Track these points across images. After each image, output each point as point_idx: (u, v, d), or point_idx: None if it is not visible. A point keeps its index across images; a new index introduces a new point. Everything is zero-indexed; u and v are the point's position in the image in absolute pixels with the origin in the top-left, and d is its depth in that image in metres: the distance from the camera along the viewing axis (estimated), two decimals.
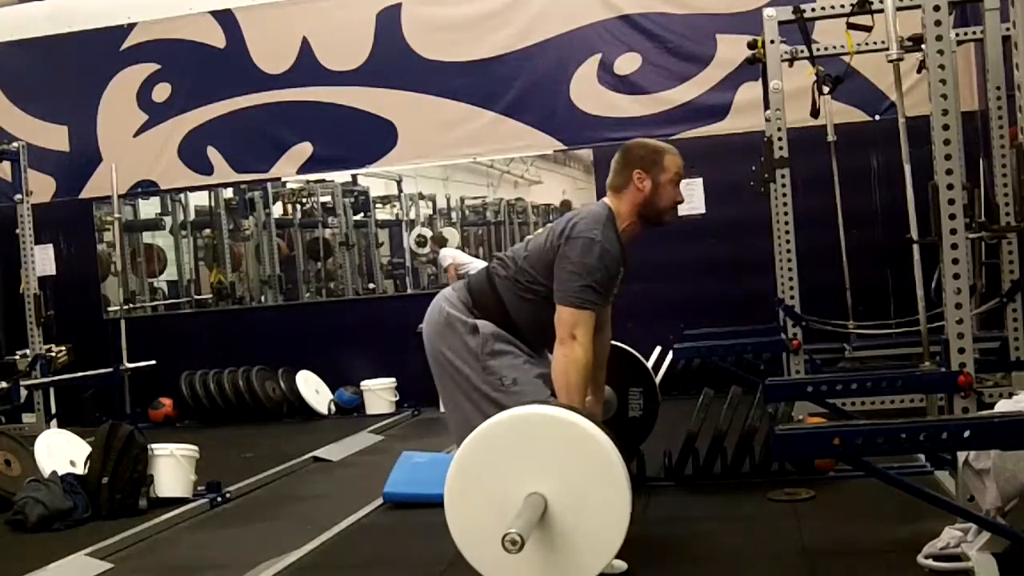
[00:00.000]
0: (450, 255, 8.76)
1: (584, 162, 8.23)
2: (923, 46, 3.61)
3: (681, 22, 7.88)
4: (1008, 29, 4.78)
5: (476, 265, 8.39)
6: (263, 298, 9.04)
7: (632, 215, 3.36)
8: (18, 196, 7.74)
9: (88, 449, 5.05)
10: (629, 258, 3.43)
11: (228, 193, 9.03)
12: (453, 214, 9.11)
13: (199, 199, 9.17)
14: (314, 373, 8.29)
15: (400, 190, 8.99)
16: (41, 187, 8.56)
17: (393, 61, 8.25)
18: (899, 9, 4.29)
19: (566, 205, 8.55)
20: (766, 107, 5.92)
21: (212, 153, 8.70)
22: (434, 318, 3.21)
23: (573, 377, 3.06)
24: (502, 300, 3.12)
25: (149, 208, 9.32)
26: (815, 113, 5.89)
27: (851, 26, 5.15)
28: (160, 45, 8.75)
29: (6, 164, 7.94)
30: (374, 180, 8.96)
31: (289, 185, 9.01)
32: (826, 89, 5.82)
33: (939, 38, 3.30)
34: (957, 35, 6.20)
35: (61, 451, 5.24)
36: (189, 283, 9.28)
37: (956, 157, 3.30)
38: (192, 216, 9.24)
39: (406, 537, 4.15)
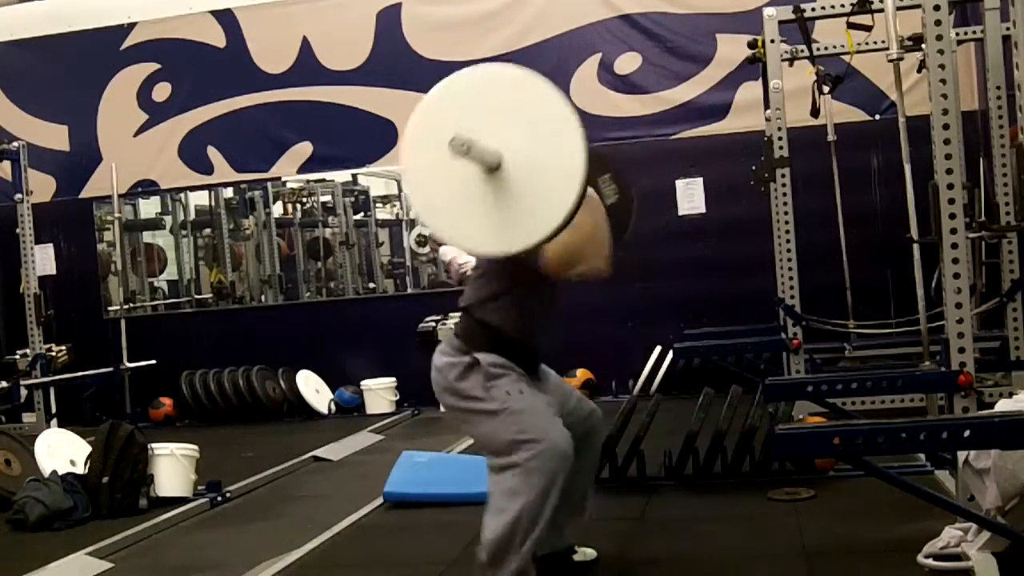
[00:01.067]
0: (451, 251, 8.75)
1: None
2: (923, 46, 3.61)
3: (681, 22, 7.88)
4: (1008, 29, 4.78)
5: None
6: (263, 298, 9.04)
7: None
8: (18, 196, 7.74)
9: (88, 449, 5.05)
10: None
11: (228, 192, 9.02)
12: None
13: (199, 199, 9.16)
14: (314, 373, 8.29)
15: (400, 189, 8.99)
16: (41, 187, 8.56)
17: (393, 61, 8.25)
18: (899, 9, 4.30)
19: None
20: (766, 107, 5.92)
21: (212, 153, 8.70)
22: (434, 376, 3.13)
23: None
24: (484, 321, 3.06)
25: (149, 208, 9.32)
26: (815, 113, 5.89)
27: (851, 26, 5.15)
28: (160, 45, 8.75)
29: (6, 164, 7.94)
30: (374, 179, 8.96)
31: (289, 185, 9.00)
32: (826, 89, 5.83)
33: (939, 38, 3.30)
34: (957, 35, 6.20)
35: (61, 451, 5.25)
36: (189, 283, 9.28)
37: (956, 157, 3.30)
38: (192, 216, 9.24)
39: (406, 537, 4.15)
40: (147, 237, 9.34)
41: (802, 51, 5.72)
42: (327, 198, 9.11)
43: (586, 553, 3.41)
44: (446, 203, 2.68)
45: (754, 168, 5.92)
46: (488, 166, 2.58)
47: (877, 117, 7.48)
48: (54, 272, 8.79)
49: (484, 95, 2.69)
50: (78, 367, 8.02)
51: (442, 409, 3.27)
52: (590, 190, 3.27)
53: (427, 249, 8.77)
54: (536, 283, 3.03)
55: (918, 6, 3.60)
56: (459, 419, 3.16)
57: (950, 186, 3.27)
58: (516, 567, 2.87)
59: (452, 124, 2.55)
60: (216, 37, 8.66)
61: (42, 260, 8.45)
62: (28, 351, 7.76)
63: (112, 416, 6.31)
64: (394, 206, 9.17)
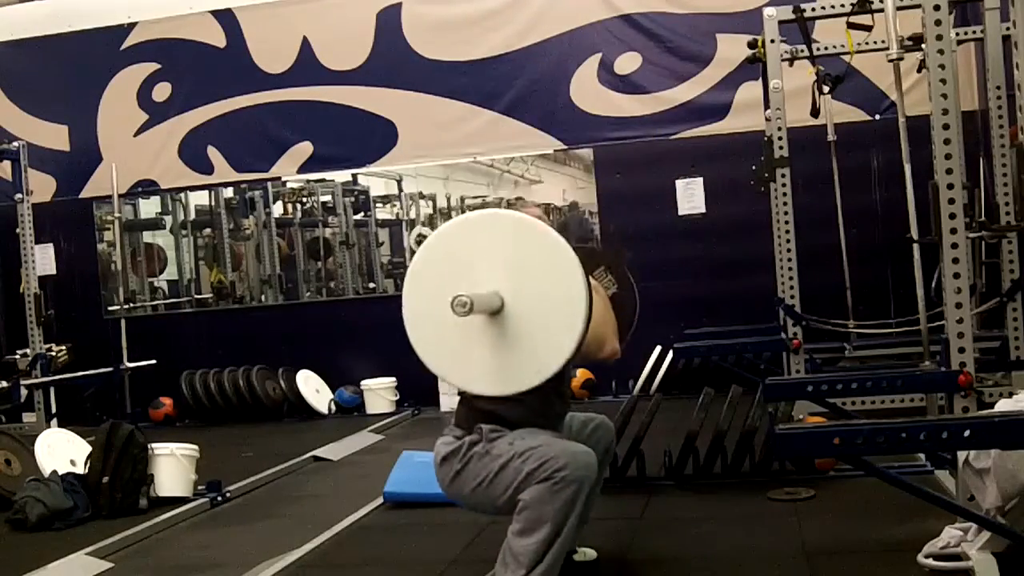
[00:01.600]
0: None
1: (584, 162, 8.23)
2: (923, 46, 3.61)
3: (681, 21, 7.88)
4: (1008, 28, 4.78)
5: None
6: (263, 297, 9.04)
7: None
8: (18, 195, 7.74)
9: (88, 448, 5.05)
10: None
11: (228, 192, 9.02)
12: (453, 213, 9.12)
13: (199, 198, 9.16)
14: (314, 372, 8.30)
15: (400, 189, 8.98)
16: (41, 186, 8.57)
17: (393, 60, 8.25)
18: (899, 9, 4.30)
19: (574, 206, 8.54)
20: (766, 106, 5.93)
21: (212, 152, 8.70)
22: (437, 472, 3.05)
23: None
24: (490, 411, 2.93)
25: (149, 207, 9.32)
26: (815, 113, 5.89)
27: (851, 25, 5.15)
28: (160, 45, 8.75)
29: (6, 163, 7.94)
30: (374, 179, 8.96)
31: (289, 184, 9.00)
32: (826, 88, 5.83)
33: (939, 38, 3.30)
34: (957, 35, 6.21)
35: (61, 450, 5.25)
36: (189, 282, 9.27)
37: (956, 157, 3.30)
38: (192, 215, 9.24)
39: (406, 537, 4.15)
40: (147, 237, 9.34)
41: (802, 51, 5.72)
42: (327, 198, 9.11)
43: (586, 553, 3.41)
44: (450, 348, 2.66)
45: (754, 168, 5.92)
46: (489, 312, 2.58)
47: (877, 117, 7.48)
48: (54, 272, 8.79)
49: (483, 237, 2.69)
50: (78, 367, 8.02)
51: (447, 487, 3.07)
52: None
53: None
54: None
55: (918, 6, 3.60)
56: (473, 502, 3.00)
57: (950, 186, 3.27)
58: None
59: (452, 271, 2.59)
60: (216, 37, 8.66)
61: (42, 260, 8.45)
62: (28, 351, 7.76)
63: (112, 416, 6.32)
64: (394, 206, 9.17)
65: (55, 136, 8.91)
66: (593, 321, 2.67)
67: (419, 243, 8.69)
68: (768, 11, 5.60)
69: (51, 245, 8.84)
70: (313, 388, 8.21)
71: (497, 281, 2.59)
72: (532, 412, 2.95)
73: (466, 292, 2.45)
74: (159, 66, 8.76)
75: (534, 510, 2.74)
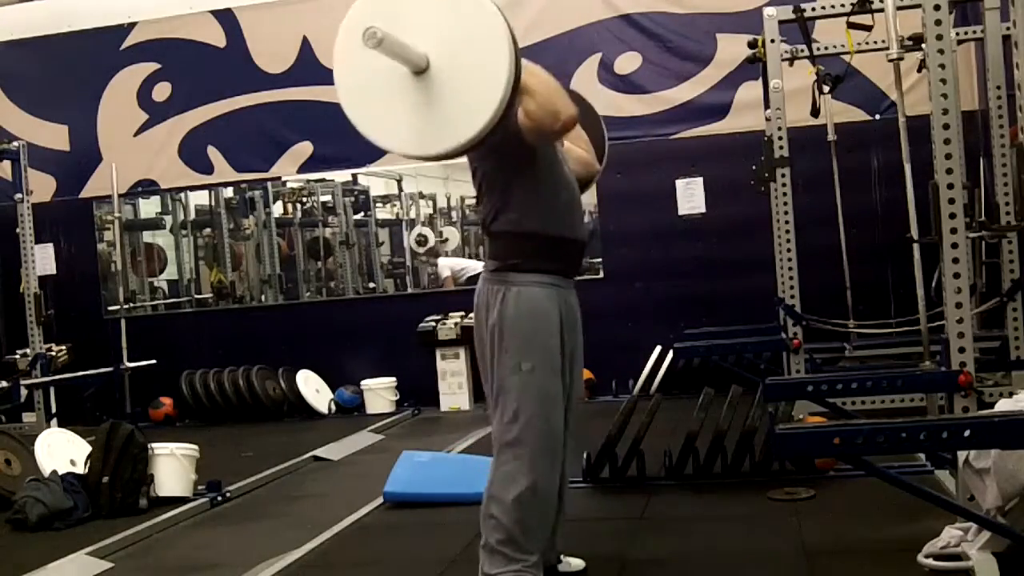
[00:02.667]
0: (446, 264, 8.77)
1: None
2: (923, 45, 3.61)
3: (681, 21, 7.88)
4: (1008, 28, 4.78)
5: (473, 267, 8.38)
6: (263, 297, 9.04)
7: None
8: (18, 195, 7.75)
9: (88, 448, 5.05)
10: None
11: (228, 192, 9.02)
12: (453, 213, 9.12)
13: (199, 198, 9.16)
14: (314, 372, 8.29)
15: (400, 189, 8.99)
16: (41, 186, 8.56)
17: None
18: (899, 8, 4.30)
19: None
20: (766, 106, 5.93)
21: (212, 152, 8.70)
22: (476, 311, 3.04)
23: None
24: (509, 232, 2.94)
25: (149, 207, 9.32)
26: (815, 112, 5.89)
27: (851, 25, 5.16)
28: (160, 44, 8.75)
29: (6, 163, 7.95)
30: (374, 179, 8.96)
31: (289, 184, 9.00)
32: (826, 88, 5.83)
33: (939, 37, 3.30)
34: (957, 34, 6.20)
35: (61, 450, 5.25)
36: (189, 282, 9.28)
37: (956, 156, 3.30)
38: (192, 215, 9.24)
39: (406, 537, 4.15)
40: (147, 237, 9.35)
41: (802, 51, 5.72)
42: (327, 198, 9.11)
43: (570, 563, 3.31)
44: (375, 102, 2.66)
45: (754, 168, 5.92)
46: (410, 65, 2.58)
47: (877, 117, 7.48)
48: (54, 272, 8.79)
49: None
50: (78, 367, 8.02)
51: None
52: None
53: (430, 245, 8.79)
54: (536, 167, 2.94)
55: (918, 6, 3.60)
56: (484, 356, 3.02)
57: (950, 186, 3.27)
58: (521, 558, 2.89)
59: (379, 22, 2.54)
60: (216, 37, 8.66)
61: (42, 260, 8.45)
62: (28, 351, 7.77)
63: (112, 416, 6.31)
64: (394, 206, 9.17)
65: (55, 136, 8.91)
66: (539, 92, 2.72)
67: (419, 243, 8.73)
68: (768, 11, 5.60)
69: (51, 245, 8.83)
70: (313, 388, 8.21)
71: (426, 42, 2.59)
72: (547, 214, 2.96)
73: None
74: (159, 66, 8.76)
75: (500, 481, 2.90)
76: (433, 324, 7.73)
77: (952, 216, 3.27)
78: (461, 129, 2.59)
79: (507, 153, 2.88)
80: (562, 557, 3.30)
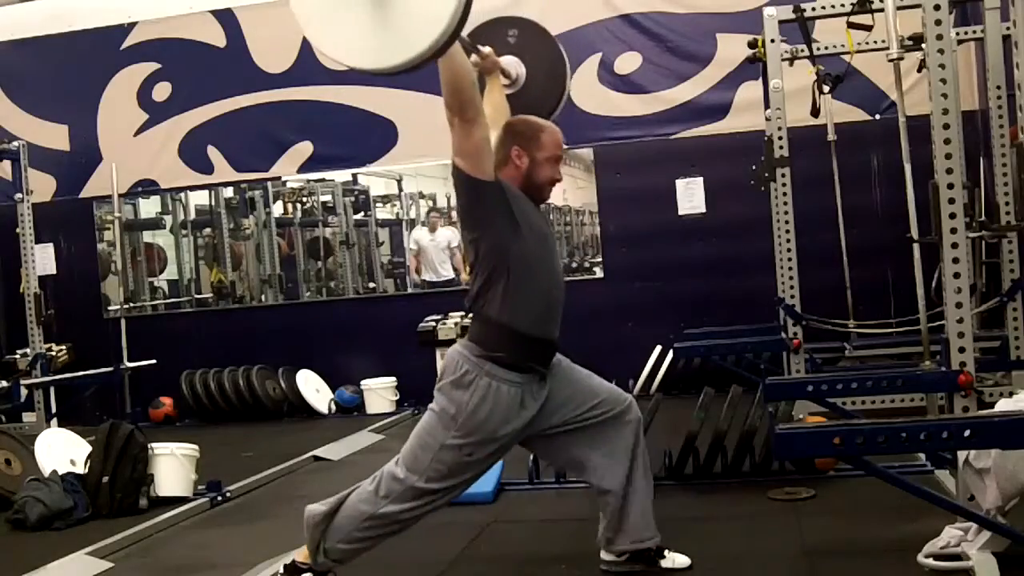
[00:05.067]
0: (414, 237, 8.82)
1: (584, 161, 8.23)
2: (923, 45, 3.61)
3: (681, 21, 7.88)
4: (1008, 28, 4.78)
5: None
6: (263, 297, 9.04)
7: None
8: (18, 195, 7.74)
9: (88, 448, 5.05)
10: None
11: (228, 192, 9.02)
12: (453, 213, 9.12)
13: (199, 198, 9.16)
14: (314, 372, 8.30)
15: (400, 189, 8.99)
16: (41, 186, 8.57)
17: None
18: (899, 8, 4.30)
19: None
20: (766, 106, 5.92)
21: (212, 152, 8.70)
22: (440, 367, 3.17)
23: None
24: (489, 317, 3.01)
25: (149, 207, 9.32)
26: (815, 112, 5.89)
27: (851, 25, 5.16)
28: (160, 44, 8.76)
29: (6, 163, 7.94)
30: (374, 179, 8.96)
31: (289, 184, 9.00)
32: (826, 88, 5.82)
33: (939, 37, 3.30)
34: (957, 34, 6.21)
35: (61, 450, 5.25)
36: (189, 282, 9.28)
37: (956, 156, 3.30)
38: (192, 215, 9.24)
39: (406, 537, 4.13)
40: (147, 237, 9.35)
41: (802, 51, 5.72)
42: (327, 198, 9.11)
43: (675, 560, 3.35)
44: (331, 18, 2.62)
45: (754, 168, 5.92)
46: None
47: (877, 117, 7.48)
48: (54, 272, 8.79)
49: None
50: (78, 367, 8.02)
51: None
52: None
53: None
54: (526, 256, 3.00)
55: (918, 6, 3.60)
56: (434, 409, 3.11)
57: (950, 186, 3.27)
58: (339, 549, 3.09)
59: None
60: (216, 37, 8.66)
61: (42, 260, 8.45)
62: (28, 351, 7.77)
63: (112, 416, 6.31)
64: (394, 206, 9.17)
65: (55, 136, 8.91)
66: (453, 81, 2.79)
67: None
68: (768, 11, 5.60)
69: (51, 245, 8.84)
70: (313, 388, 8.21)
71: None
72: (528, 309, 3.02)
73: None
74: (159, 66, 8.76)
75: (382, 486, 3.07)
76: (433, 324, 7.72)
77: (952, 216, 3.27)
78: (415, 41, 2.56)
79: (494, 228, 2.97)
80: (666, 552, 3.34)
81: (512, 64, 3.56)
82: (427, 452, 3.02)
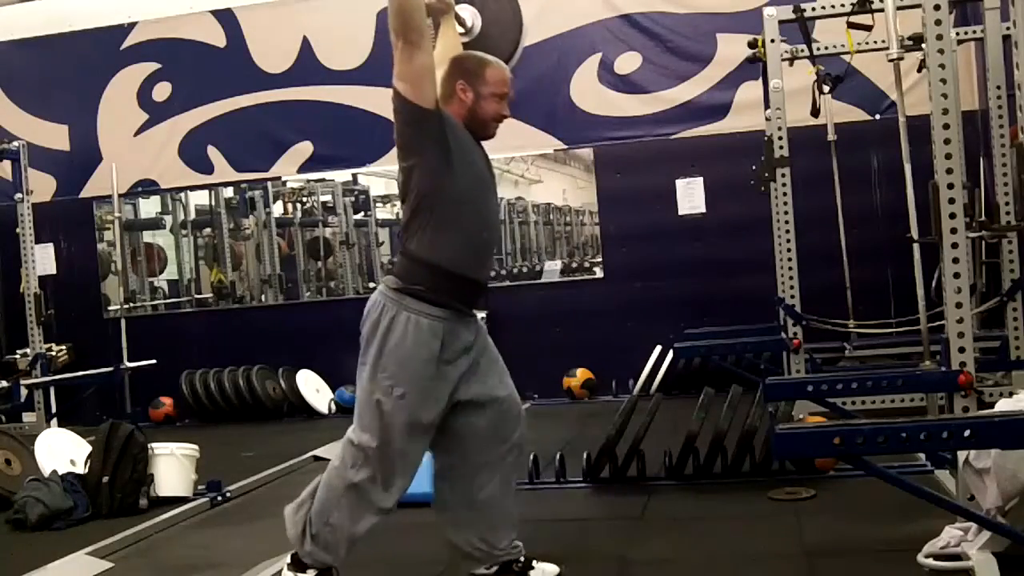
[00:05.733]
0: None
1: (584, 161, 8.23)
2: (923, 45, 3.61)
3: (681, 21, 7.88)
4: (1008, 28, 4.78)
5: None
6: (263, 297, 9.04)
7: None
8: (18, 195, 7.74)
9: (88, 448, 5.05)
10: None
11: (228, 192, 9.02)
12: None
13: (199, 198, 9.16)
14: (314, 372, 8.30)
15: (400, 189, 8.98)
16: (41, 186, 8.57)
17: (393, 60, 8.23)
18: (899, 8, 4.30)
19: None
20: (766, 106, 5.93)
21: (212, 152, 8.70)
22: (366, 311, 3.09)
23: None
24: (414, 255, 2.98)
25: (149, 207, 9.32)
26: (815, 112, 5.89)
27: (851, 25, 5.16)
28: (160, 44, 8.76)
29: (6, 163, 7.94)
30: (374, 179, 8.96)
31: (289, 184, 9.00)
32: (826, 88, 5.83)
33: (939, 37, 3.30)
34: (957, 34, 6.21)
35: (61, 450, 5.25)
36: (189, 282, 9.28)
37: (956, 156, 3.30)
38: (192, 215, 9.24)
39: (406, 537, 4.14)
40: (147, 237, 9.34)
41: (802, 51, 5.72)
42: (327, 198, 9.11)
43: (544, 570, 3.26)
44: None
45: (754, 168, 5.92)
46: None
47: (877, 117, 7.48)
48: (54, 272, 8.80)
49: None
50: (78, 367, 8.02)
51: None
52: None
53: None
54: (459, 194, 2.98)
55: (918, 6, 3.60)
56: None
57: (950, 186, 3.27)
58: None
59: None
60: (216, 37, 8.66)
61: (42, 260, 8.45)
62: (28, 351, 7.76)
63: (112, 416, 6.29)
64: (394, 206, 9.16)
65: (55, 136, 8.91)
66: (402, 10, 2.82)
67: None
68: (768, 11, 5.60)
69: (51, 245, 8.84)
70: (313, 388, 8.21)
71: None
72: (457, 248, 3.00)
73: None
74: (159, 66, 8.76)
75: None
76: None
77: (952, 216, 3.27)
78: None
79: (427, 156, 2.95)
80: (534, 563, 3.26)
81: (468, 13, 3.56)
82: (368, 407, 3.00)
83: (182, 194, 9.09)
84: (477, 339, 3.12)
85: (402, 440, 3.00)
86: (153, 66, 8.77)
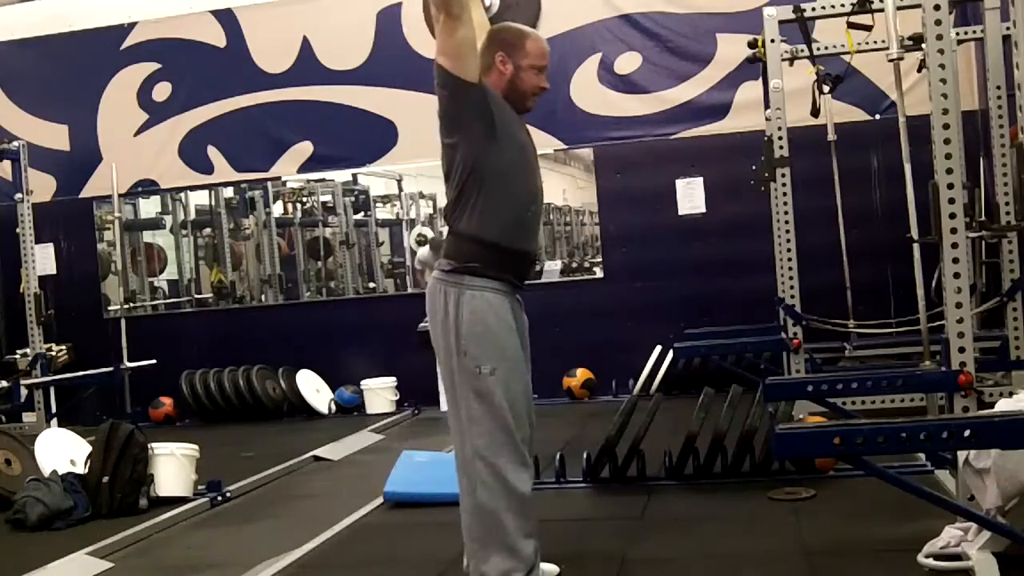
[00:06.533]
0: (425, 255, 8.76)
1: (585, 161, 8.23)
2: (923, 45, 3.61)
3: (681, 21, 7.88)
4: (1008, 28, 4.78)
5: None
6: (263, 297, 9.04)
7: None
8: (18, 195, 7.74)
9: (88, 448, 5.05)
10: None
11: (228, 192, 9.02)
12: None
13: (199, 198, 9.16)
14: (314, 372, 8.30)
15: (400, 189, 8.99)
16: (41, 186, 8.57)
17: (393, 60, 8.24)
18: (899, 8, 4.30)
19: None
20: (766, 106, 5.92)
21: (212, 152, 8.70)
22: (428, 303, 3.05)
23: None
24: (466, 233, 2.95)
25: (149, 207, 9.32)
26: (815, 112, 5.89)
27: (851, 25, 5.15)
28: (160, 44, 8.76)
29: (6, 163, 7.94)
30: (374, 179, 8.96)
31: (289, 184, 9.00)
32: (826, 88, 5.82)
33: (939, 37, 3.30)
34: (957, 34, 6.21)
35: (61, 450, 5.25)
36: (189, 282, 9.27)
37: (956, 156, 3.30)
38: (192, 215, 9.24)
39: (406, 537, 4.15)
40: (147, 237, 9.34)
41: (802, 51, 5.72)
42: (327, 198, 9.11)
43: (546, 571, 3.20)
44: None
45: (754, 168, 5.92)
46: None
47: (877, 117, 7.48)
48: (54, 272, 8.80)
49: None
50: (78, 367, 8.02)
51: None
52: None
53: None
54: (505, 169, 2.96)
55: (918, 6, 3.60)
56: (443, 360, 3.00)
57: (950, 186, 3.27)
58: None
59: None
60: (216, 37, 8.66)
61: (42, 260, 8.45)
62: (28, 351, 7.76)
63: (112, 416, 6.29)
64: (394, 206, 9.17)
65: (55, 136, 8.91)
66: None
67: (420, 243, 8.72)
68: (768, 11, 5.60)
69: (51, 245, 8.84)
70: (313, 388, 8.21)
71: None
72: (506, 222, 2.96)
73: None
74: (159, 66, 8.76)
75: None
76: None
77: (952, 216, 3.27)
78: None
79: (472, 131, 2.91)
80: None
81: None
82: (467, 403, 2.91)
83: (182, 194, 9.09)
84: (522, 317, 3.11)
85: (513, 414, 2.91)
86: (153, 66, 8.77)
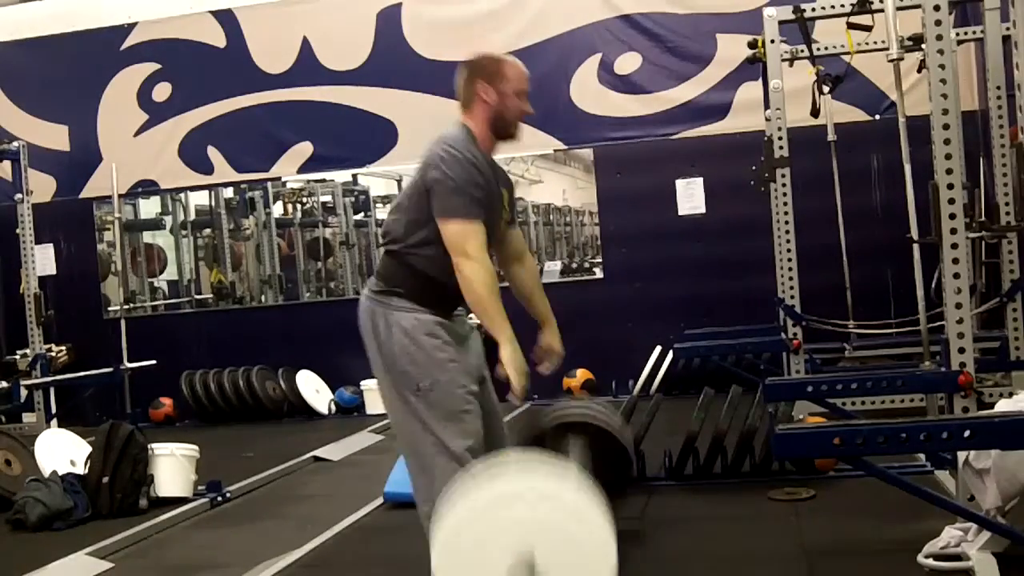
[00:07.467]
0: None
1: (584, 161, 8.23)
2: (923, 46, 3.61)
3: (681, 21, 7.89)
4: (1008, 29, 4.78)
5: None
6: (263, 298, 9.04)
7: (485, 131, 3.08)
8: (18, 196, 7.73)
9: (88, 449, 5.05)
10: (504, 175, 3.20)
11: (228, 192, 9.03)
12: None
13: (199, 198, 9.17)
14: (314, 373, 8.29)
15: (400, 189, 8.98)
16: (41, 187, 8.56)
17: (393, 60, 8.25)
18: (899, 9, 4.30)
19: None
20: (766, 106, 5.92)
21: (212, 152, 8.70)
22: (360, 319, 3.08)
23: (480, 290, 2.86)
24: (411, 265, 2.95)
25: (149, 207, 9.33)
26: (815, 113, 5.89)
27: (851, 26, 5.15)
28: (160, 45, 8.76)
29: (6, 163, 7.93)
30: (374, 179, 8.96)
31: (289, 185, 9.01)
32: (826, 89, 5.82)
33: (939, 38, 3.30)
34: (957, 35, 6.21)
35: (61, 451, 5.25)
36: (189, 283, 9.28)
37: (956, 157, 3.30)
38: (192, 216, 9.24)
39: (406, 537, 4.14)
40: (147, 237, 9.35)
41: (802, 51, 5.72)
42: (327, 198, 9.11)
43: None
44: None
45: (754, 168, 5.92)
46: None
47: (877, 117, 7.48)
48: (54, 272, 8.79)
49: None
50: (78, 367, 8.02)
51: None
52: None
53: None
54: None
55: (918, 6, 3.60)
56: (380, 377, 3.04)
57: (950, 186, 3.27)
58: None
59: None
60: (216, 37, 8.66)
61: (42, 260, 8.45)
62: (28, 351, 7.76)
63: (112, 416, 6.30)
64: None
65: (55, 136, 8.91)
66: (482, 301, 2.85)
67: None
68: (768, 11, 5.60)
69: (51, 245, 8.84)
70: (313, 388, 8.21)
71: (523, 546, 2.50)
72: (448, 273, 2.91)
73: None
74: (159, 66, 8.76)
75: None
76: None
77: (952, 216, 3.27)
78: None
79: None
80: None
81: None
82: (410, 426, 2.95)
83: (182, 194, 9.09)
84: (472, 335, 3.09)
85: (458, 422, 2.91)
86: (153, 66, 8.77)
